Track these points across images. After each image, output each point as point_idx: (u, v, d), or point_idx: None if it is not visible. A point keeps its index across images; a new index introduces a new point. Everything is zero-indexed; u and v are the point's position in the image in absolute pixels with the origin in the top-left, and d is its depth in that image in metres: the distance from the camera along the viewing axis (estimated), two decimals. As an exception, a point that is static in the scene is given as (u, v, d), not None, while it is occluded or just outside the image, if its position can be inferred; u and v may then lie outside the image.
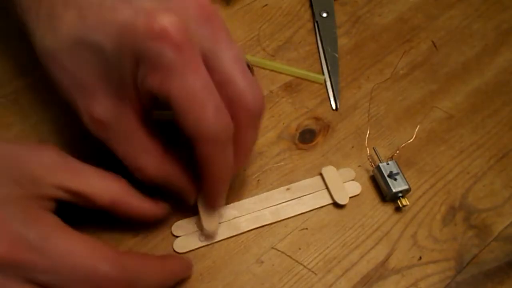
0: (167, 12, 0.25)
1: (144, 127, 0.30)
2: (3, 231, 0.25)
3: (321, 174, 0.38)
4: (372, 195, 0.38)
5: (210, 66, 0.27)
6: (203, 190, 0.33)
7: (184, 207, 0.35)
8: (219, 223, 0.35)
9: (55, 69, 0.29)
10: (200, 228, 0.35)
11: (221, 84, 0.27)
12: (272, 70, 0.43)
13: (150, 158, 0.30)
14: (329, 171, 0.38)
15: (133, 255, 0.30)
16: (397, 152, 0.40)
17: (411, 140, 0.40)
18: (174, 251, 0.34)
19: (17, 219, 0.25)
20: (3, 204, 0.26)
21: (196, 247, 0.35)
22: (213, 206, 0.33)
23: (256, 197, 0.37)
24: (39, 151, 0.28)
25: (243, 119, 0.28)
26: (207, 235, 0.35)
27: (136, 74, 0.27)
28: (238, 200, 0.37)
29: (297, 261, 0.35)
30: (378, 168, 0.38)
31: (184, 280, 0.34)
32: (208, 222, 0.34)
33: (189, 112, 0.26)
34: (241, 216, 0.36)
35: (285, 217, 0.36)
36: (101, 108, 0.28)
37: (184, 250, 0.34)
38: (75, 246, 0.26)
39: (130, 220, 0.32)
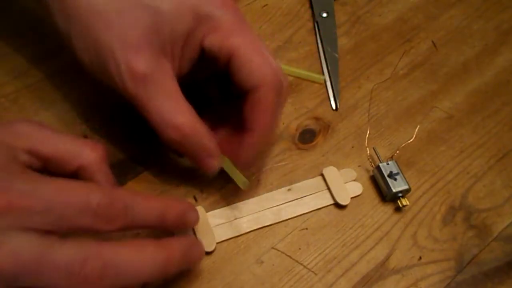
0: None
1: (179, 87, 0.31)
2: None
3: (322, 175, 0.38)
4: (372, 195, 0.38)
5: None
6: (242, 147, 0.33)
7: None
8: (220, 224, 0.35)
9: (100, 28, 0.30)
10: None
11: None
12: (272, 70, 0.43)
13: (186, 116, 0.31)
14: (330, 172, 0.38)
15: (129, 190, 0.29)
16: (397, 152, 0.40)
17: (411, 140, 0.40)
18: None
19: (1, 178, 0.25)
20: None
21: (197, 247, 0.35)
22: (247, 162, 0.34)
23: (257, 197, 0.37)
24: (11, 124, 0.29)
25: None
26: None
27: (190, 33, 0.31)
28: (239, 200, 0.37)
29: (297, 261, 0.35)
30: (378, 168, 0.38)
31: (184, 281, 0.34)
32: (205, 242, 0.34)
33: (253, 61, 0.30)
34: (242, 217, 0.36)
35: (287, 218, 0.36)
36: (143, 62, 0.29)
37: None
38: (65, 185, 0.26)
39: None
